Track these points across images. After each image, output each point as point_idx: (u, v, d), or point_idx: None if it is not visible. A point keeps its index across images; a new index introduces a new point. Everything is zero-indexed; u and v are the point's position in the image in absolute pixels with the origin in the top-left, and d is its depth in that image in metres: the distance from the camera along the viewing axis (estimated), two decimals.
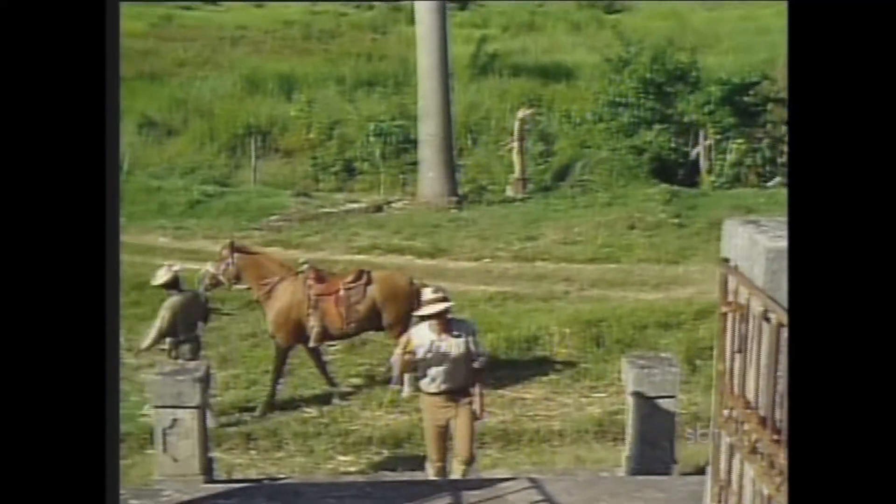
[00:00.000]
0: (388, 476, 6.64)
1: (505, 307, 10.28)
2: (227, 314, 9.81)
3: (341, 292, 8.10)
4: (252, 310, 9.75)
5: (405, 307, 8.02)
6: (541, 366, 8.72)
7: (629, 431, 6.31)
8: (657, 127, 17.74)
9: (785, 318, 2.27)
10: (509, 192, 16.54)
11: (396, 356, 6.25)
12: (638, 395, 6.17)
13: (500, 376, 8.30)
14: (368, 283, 8.20)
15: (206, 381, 6.14)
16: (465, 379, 6.22)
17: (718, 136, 17.87)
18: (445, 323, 6.14)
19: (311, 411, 7.86)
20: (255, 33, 32.76)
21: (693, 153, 18.03)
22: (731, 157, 17.62)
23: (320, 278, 8.27)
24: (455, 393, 6.21)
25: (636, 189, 15.86)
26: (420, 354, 6.11)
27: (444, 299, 6.19)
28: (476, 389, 6.24)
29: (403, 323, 7.96)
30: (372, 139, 18.31)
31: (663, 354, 6.79)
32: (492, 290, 10.90)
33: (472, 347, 6.18)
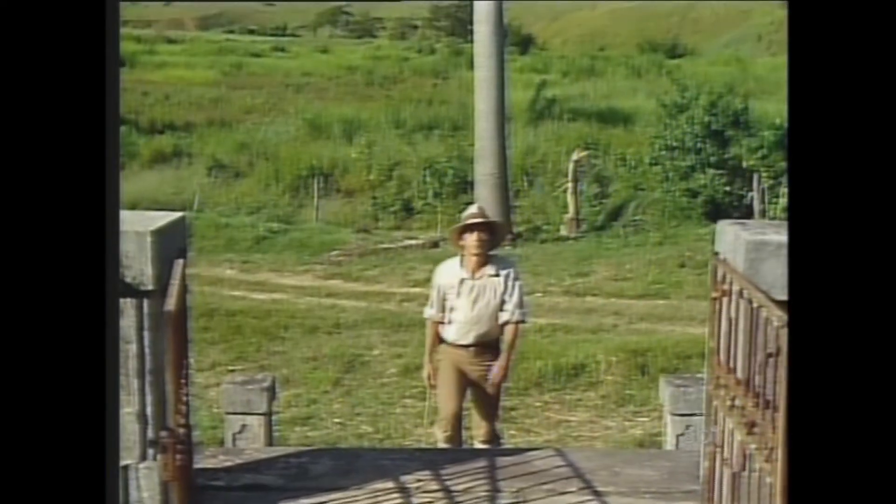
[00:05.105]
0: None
1: (554, 337, 10.65)
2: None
3: None
4: (313, 335, 10.30)
5: None
6: (587, 391, 9.07)
7: (666, 448, 6.64)
8: (712, 171, 18.05)
9: (763, 300, 2.68)
10: (563, 231, 16.98)
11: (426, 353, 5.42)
12: (673, 412, 6.51)
13: (546, 400, 8.68)
14: None
15: (272, 390, 6.64)
16: (498, 333, 5.30)
17: (772, 181, 18.11)
18: (482, 258, 5.17)
19: (368, 428, 8.31)
20: (319, 80, 33.90)
21: (748, 197, 18.28)
22: (783, 201, 17.82)
23: None
24: (485, 348, 5.29)
25: (688, 229, 16.20)
26: (448, 297, 5.23)
27: (484, 215, 5.27)
28: (505, 347, 5.32)
29: None
30: (429, 180, 18.95)
31: (699, 375, 7.12)
32: (542, 322, 11.27)
33: (511, 292, 5.21)
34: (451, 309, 5.30)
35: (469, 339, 5.31)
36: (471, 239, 5.23)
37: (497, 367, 5.39)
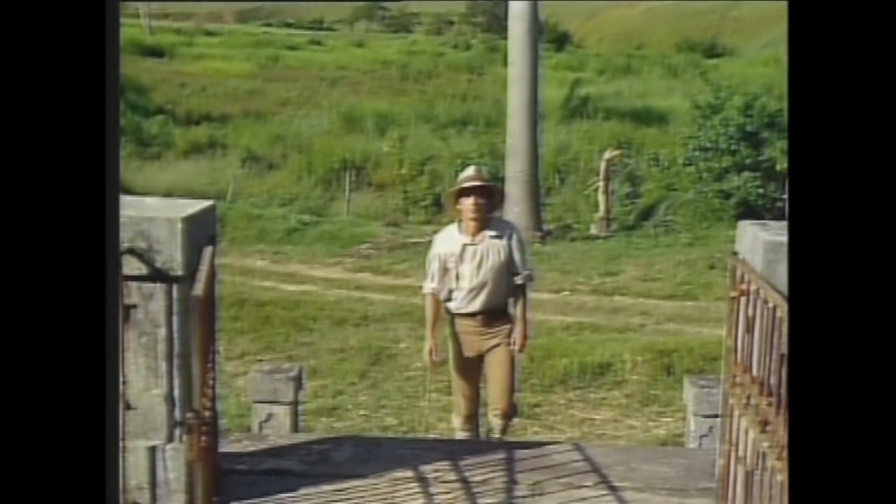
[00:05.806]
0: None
1: (581, 336, 10.66)
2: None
3: None
4: (341, 327, 10.40)
5: None
6: (611, 390, 9.07)
7: (688, 448, 6.64)
8: (746, 173, 17.92)
9: (778, 300, 2.71)
10: (593, 230, 16.96)
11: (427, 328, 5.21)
12: (697, 413, 6.52)
13: (570, 398, 8.70)
14: None
15: (298, 380, 6.73)
16: (505, 297, 5.13)
17: None
18: (480, 221, 5.02)
19: (392, 420, 8.38)
20: (354, 73, 34.02)
21: (782, 200, 18.14)
22: None
23: None
24: (493, 315, 5.11)
25: (719, 231, 16.11)
26: (450, 265, 5.04)
27: (481, 178, 5.08)
28: (519, 313, 5.13)
29: None
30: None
31: (723, 376, 7.11)
32: (569, 320, 11.30)
33: (514, 255, 5.08)
34: (457, 277, 5.10)
35: (476, 307, 5.13)
36: (468, 203, 5.06)
37: (517, 335, 5.20)
